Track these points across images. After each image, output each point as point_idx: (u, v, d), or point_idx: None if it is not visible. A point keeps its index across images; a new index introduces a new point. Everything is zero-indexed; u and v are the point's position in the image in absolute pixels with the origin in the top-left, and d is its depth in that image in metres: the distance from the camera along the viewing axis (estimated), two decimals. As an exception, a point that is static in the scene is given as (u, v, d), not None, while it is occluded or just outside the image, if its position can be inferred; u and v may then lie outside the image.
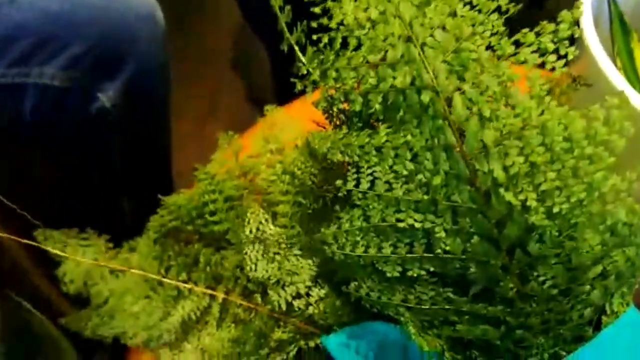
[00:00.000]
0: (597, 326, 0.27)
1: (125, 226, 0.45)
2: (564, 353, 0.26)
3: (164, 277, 0.39)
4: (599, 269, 0.25)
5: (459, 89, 0.23)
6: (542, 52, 0.24)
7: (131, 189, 0.62)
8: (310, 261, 0.31)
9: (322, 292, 0.31)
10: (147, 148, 0.62)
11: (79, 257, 0.40)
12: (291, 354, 0.31)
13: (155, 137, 0.64)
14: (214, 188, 0.36)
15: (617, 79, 0.34)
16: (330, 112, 0.27)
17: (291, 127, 0.41)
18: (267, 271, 0.31)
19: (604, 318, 0.27)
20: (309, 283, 0.31)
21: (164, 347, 0.40)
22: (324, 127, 0.30)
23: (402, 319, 0.26)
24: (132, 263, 0.42)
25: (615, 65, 0.39)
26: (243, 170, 0.40)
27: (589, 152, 0.23)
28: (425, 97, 0.23)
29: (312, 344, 0.31)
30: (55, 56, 0.53)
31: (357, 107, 0.24)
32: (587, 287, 0.25)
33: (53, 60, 0.53)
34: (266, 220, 0.33)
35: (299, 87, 0.27)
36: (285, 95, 0.53)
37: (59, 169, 0.60)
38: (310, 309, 0.31)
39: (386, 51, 0.24)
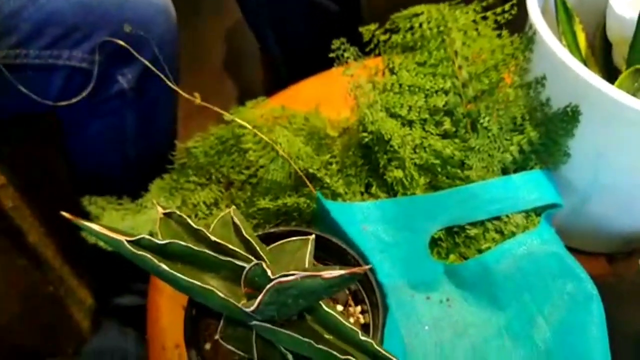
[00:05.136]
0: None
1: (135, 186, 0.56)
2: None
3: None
4: (519, 137, 0.45)
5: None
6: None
7: (141, 156, 0.74)
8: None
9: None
10: (156, 123, 0.75)
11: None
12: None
13: (164, 114, 0.76)
14: (247, 125, 0.49)
15: (560, 51, 0.48)
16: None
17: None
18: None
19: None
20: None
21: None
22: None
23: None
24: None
25: (561, 43, 0.54)
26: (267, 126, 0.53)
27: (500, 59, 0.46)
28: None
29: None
30: (83, 42, 0.66)
31: (400, 38, 0.52)
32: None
33: (81, 46, 0.66)
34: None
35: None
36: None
37: (78, 137, 0.72)
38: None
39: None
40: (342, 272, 0.25)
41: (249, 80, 1.32)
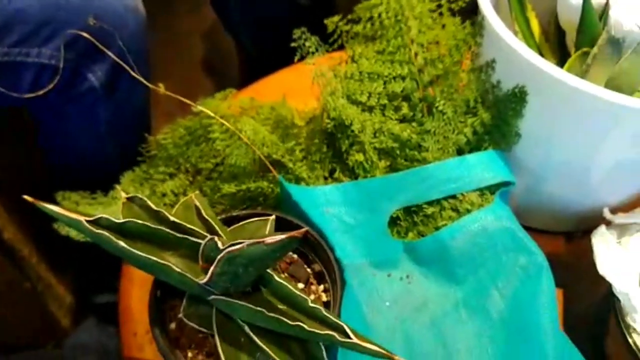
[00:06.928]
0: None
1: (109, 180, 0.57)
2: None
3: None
4: (472, 119, 0.45)
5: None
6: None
7: (116, 151, 0.75)
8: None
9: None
10: (129, 118, 0.76)
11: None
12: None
13: (136, 109, 0.78)
14: (214, 115, 0.51)
15: (506, 34, 0.50)
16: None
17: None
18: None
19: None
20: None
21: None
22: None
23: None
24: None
25: (514, 29, 0.57)
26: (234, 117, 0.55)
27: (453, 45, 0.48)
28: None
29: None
30: (52, 39, 0.67)
31: (361, 28, 0.53)
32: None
33: (50, 43, 0.67)
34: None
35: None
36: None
37: (53, 134, 0.73)
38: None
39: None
40: (283, 236, 0.27)
41: (227, 79, 1.33)
